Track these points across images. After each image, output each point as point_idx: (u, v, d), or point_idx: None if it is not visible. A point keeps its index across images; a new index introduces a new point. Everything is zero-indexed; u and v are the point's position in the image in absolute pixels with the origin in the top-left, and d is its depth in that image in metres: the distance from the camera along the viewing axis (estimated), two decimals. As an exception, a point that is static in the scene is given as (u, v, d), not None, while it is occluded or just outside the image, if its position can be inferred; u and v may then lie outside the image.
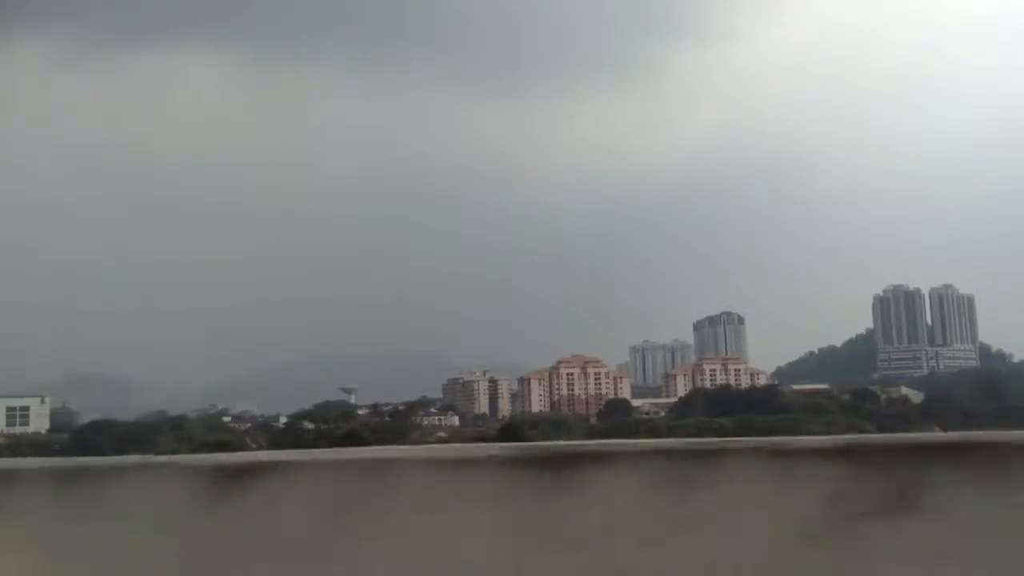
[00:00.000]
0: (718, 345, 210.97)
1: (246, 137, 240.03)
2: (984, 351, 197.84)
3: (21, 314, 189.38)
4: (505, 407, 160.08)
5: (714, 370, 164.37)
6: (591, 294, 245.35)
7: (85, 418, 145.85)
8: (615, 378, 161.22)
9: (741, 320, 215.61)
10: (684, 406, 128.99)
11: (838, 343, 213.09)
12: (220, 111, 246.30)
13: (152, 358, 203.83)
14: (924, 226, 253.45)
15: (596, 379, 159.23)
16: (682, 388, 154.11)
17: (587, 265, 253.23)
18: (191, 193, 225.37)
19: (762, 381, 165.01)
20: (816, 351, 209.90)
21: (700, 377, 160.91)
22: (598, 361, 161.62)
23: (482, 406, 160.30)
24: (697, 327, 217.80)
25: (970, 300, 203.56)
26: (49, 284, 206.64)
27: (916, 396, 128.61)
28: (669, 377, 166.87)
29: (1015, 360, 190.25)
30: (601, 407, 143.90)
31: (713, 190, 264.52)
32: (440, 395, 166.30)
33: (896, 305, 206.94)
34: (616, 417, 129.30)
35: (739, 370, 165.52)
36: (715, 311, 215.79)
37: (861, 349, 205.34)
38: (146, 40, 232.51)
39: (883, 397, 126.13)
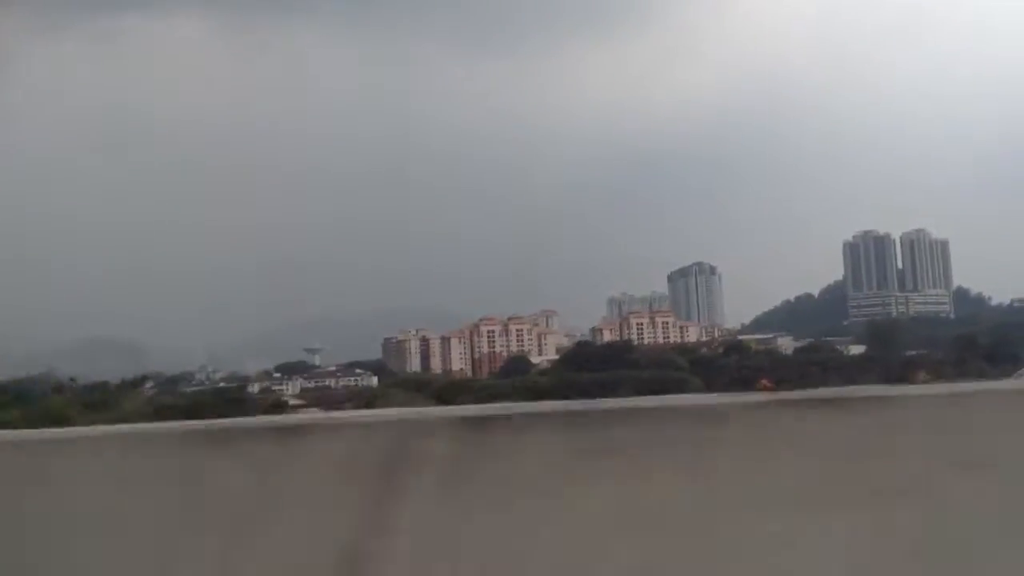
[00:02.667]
0: (690, 296, 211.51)
1: (238, 99, 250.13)
2: (962, 295, 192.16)
3: (25, 280, 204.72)
4: (437, 365, 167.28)
5: (641, 323, 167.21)
6: (582, 245, 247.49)
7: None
8: (539, 335, 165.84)
9: (713, 270, 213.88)
10: (562, 363, 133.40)
11: (816, 291, 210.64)
12: (211, 72, 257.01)
13: (162, 322, 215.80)
14: (910, 170, 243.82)
15: (518, 335, 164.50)
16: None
17: (581, 215, 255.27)
18: (184, 155, 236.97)
19: (692, 334, 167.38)
20: (792, 299, 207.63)
21: (627, 331, 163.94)
22: (520, 318, 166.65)
23: (414, 365, 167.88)
24: (671, 279, 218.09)
25: (944, 244, 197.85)
26: (49, 249, 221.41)
27: (791, 346, 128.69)
28: (596, 331, 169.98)
29: (992, 303, 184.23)
30: (502, 364, 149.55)
31: (701, 137, 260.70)
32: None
33: (866, 250, 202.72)
34: (514, 375, 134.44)
35: (667, 323, 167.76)
36: (688, 262, 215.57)
37: (836, 296, 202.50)
38: (132, 1, 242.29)
39: (755, 349, 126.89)
